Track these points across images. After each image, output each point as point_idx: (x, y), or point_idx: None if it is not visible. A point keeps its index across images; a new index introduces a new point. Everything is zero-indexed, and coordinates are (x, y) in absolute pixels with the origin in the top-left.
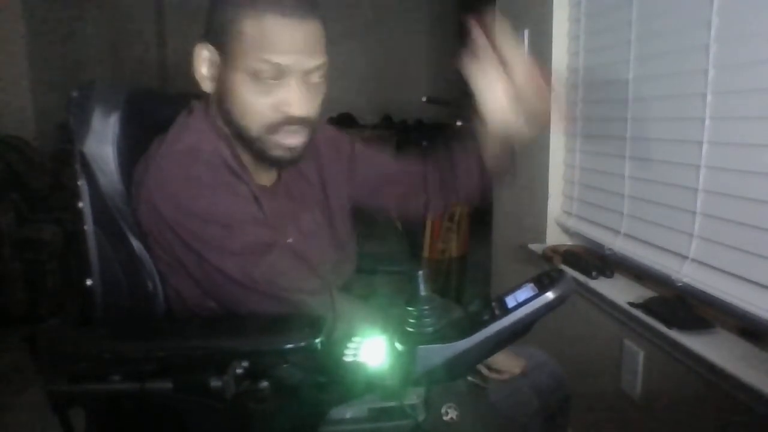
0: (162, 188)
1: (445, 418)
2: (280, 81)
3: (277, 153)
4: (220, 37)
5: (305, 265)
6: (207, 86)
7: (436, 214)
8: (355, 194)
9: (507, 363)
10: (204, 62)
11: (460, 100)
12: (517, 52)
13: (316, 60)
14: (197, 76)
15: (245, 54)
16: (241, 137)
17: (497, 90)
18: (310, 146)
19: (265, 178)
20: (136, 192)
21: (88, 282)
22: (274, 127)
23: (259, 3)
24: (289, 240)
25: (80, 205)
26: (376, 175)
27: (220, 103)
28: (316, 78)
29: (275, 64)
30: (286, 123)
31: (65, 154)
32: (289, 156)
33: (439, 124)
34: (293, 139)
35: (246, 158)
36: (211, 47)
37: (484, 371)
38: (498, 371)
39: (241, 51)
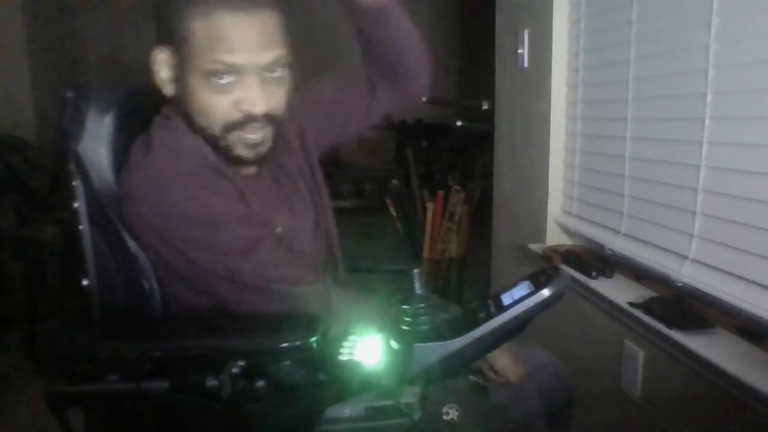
0: (145, 192)
1: (445, 417)
2: (237, 79)
3: (240, 151)
4: (172, 40)
5: (294, 256)
6: (168, 89)
7: (382, 112)
8: (323, 136)
9: (507, 368)
10: (163, 66)
11: (460, 100)
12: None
13: (272, 54)
14: (157, 81)
15: (197, 55)
16: (204, 137)
17: None
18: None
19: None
20: (121, 196)
21: (85, 282)
22: (235, 125)
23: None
24: (278, 229)
25: (75, 205)
26: (328, 104)
27: (182, 104)
28: (276, 72)
29: (229, 64)
30: (247, 121)
31: (64, 154)
32: (253, 153)
33: (439, 124)
34: (256, 135)
35: None
36: (166, 50)
37: (485, 368)
38: (496, 372)
39: (193, 52)
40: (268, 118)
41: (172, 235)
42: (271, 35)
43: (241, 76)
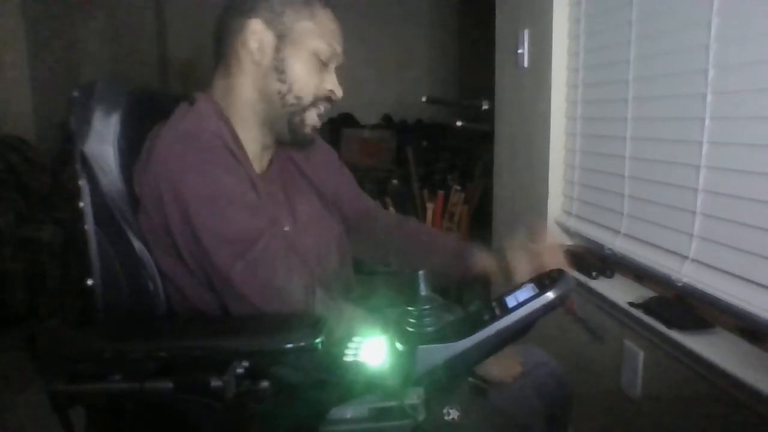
0: (163, 166)
1: (446, 418)
2: (327, 67)
3: (307, 130)
4: (286, 15)
5: (296, 258)
6: (257, 56)
7: (374, 265)
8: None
9: (500, 376)
10: (254, 35)
11: (460, 100)
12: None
13: (342, 60)
14: (250, 48)
15: (315, 35)
16: (287, 109)
17: (524, 260)
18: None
19: (260, 165)
20: (140, 170)
21: (89, 282)
22: (317, 103)
23: None
24: (286, 228)
25: (81, 204)
26: (352, 203)
27: (275, 74)
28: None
29: (334, 51)
30: (325, 101)
31: (65, 154)
32: (312, 136)
33: (439, 124)
34: (319, 120)
35: (247, 144)
36: (263, 24)
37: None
38: (493, 379)
39: (311, 31)
40: (330, 106)
41: (184, 209)
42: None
43: (329, 65)
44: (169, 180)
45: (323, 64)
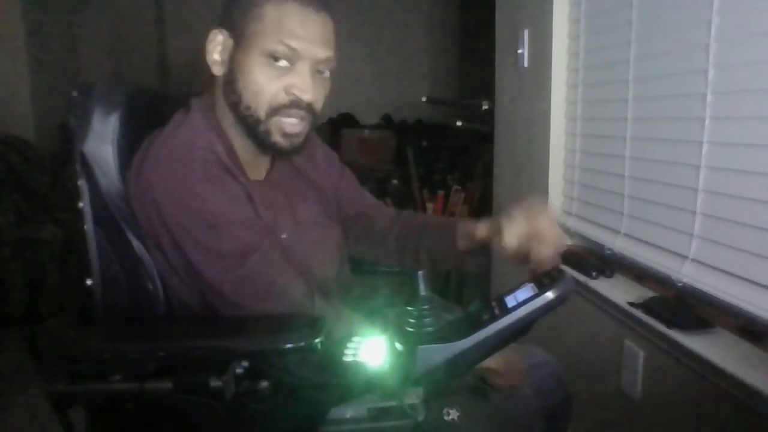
0: (153, 182)
1: (446, 418)
2: (292, 66)
3: (278, 139)
4: (239, 21)
5: (292, 269)
6: (217, 70)
7: (375, 263)
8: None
9: (504, 382)
10: (217, 47)
11: (460, 100)
12: (547, 220)
13: (326, 51)
14: (209, 61)
15: (264, 35)
16: (245, 122)
17: (516, 222)
18: (307, 147)
19: (259, 171)
20: (131, 184)
21: (88, 282)
22: (281, 110)
23: None
24: (283, 235)
25: (80, 204)
26: (354, 202)
27: (229, 85)
28: (324, 70)
29: (291, 48)
30: (293, 106)
31: (65, 154)
32: (288, 144)
33: (439, 124)
34: (295, 126)
35: (242, 152)
36: (225, 32)
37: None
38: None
39: (259, 32)
40: (310, 110)
41: (176, 225)
42: (328, 36)
43: (296, 64)
44: (159, 197)
45: (286, 66)
